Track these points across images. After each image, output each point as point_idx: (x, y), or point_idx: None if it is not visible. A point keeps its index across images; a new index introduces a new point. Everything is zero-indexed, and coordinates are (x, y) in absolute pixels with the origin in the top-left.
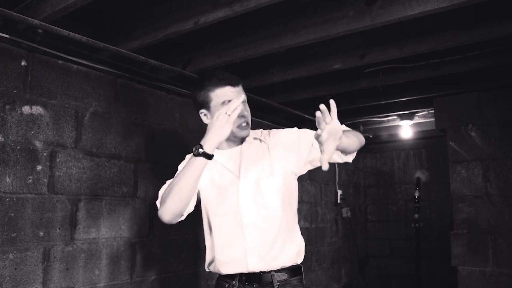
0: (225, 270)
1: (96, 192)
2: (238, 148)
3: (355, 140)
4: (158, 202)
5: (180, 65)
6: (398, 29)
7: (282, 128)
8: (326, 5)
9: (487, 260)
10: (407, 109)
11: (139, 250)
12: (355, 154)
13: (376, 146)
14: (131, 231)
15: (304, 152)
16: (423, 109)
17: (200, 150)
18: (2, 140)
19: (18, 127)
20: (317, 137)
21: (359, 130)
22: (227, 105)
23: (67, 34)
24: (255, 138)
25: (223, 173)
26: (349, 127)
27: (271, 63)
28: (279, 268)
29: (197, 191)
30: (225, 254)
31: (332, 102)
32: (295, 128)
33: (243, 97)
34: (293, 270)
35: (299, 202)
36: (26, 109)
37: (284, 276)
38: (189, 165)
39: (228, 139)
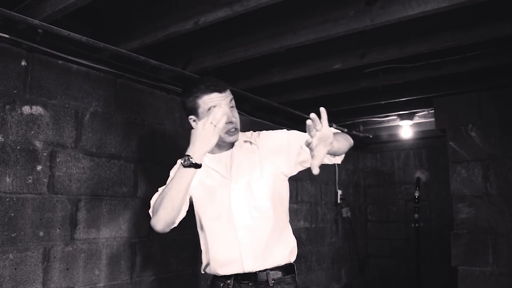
0: (222, 271)
1: (96, 192)
2: (229, 151)
3: (344, 143)
4: (150, 212)
5: (180, 65)
6: (398, 29)
7: (282, 129)
8: (326, 5)
9: (487, 260)
10: (407, 109)
11: (139, 250)
12: (343, 155)
13: (376, 146)
14: (131, 231)
15: (294, 154)
16: (423, 109)
17: (190, 161)
18: (2, 140)
19: (18, 127)
20: (308, 144)
21: (358, 130)
22: (212, 114)
23: (67, 34)
24: (245, 141)
25: (215, 177)
26: (349, 127)
27: (271, 63)
28: (274, 266)
29: (188, 197)
30: (220, 256)
31: (322, 110)
32: (285, 130)
33: (227, 104)
34: (286, 268)
35: (299, 202)
36: (26, 109)
37: (278, 274)
38: (179, 176)
39: (218, 144)
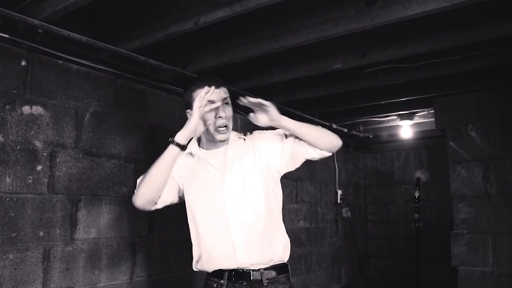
0: (214, 266)
1: (96, 192)
2: (223, 147)
3: (312, 130)
4: (135, 191)
5: (180, 65)
6: (398, 29)
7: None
8: (326, 5)
9: (487, 260)
10: (407, 109)
11: (139, 250)
12: (325, 149)
13: (376, 146)
14: (131, 231)
15: (287, 150)
16: (423, 109)
17: (172, 139)
18: (2, 140)
19: (18, 127)
20: (240, 101)
21: (358, 130)
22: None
23: (67, 34)
24: (239, 137)
25: (209, 170)
26: (349, 127)
27: (271, 63)
28: (268, 266)
29: (176, 187)
30: (213, 249)
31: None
32: (279, 129)
33: (220, 98)
34: (280, 268)
35: (299, 202)
36: (26, 109)
37: (272, 274)
38: (163, 154)
39: (211, 141)
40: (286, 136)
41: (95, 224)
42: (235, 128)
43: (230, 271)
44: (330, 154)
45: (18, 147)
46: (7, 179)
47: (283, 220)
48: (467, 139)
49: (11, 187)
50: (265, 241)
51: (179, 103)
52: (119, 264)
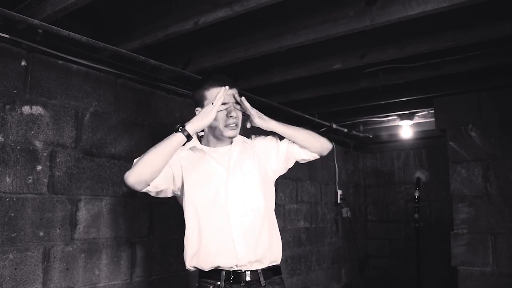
0: (212, 263)
1: (96, 192)
2: (228, 146)
3: (303, 134)
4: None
5: (180, 65)
6: (398, 29)
7: None
8: (326, 5)
9: (487, 260)
10: (407, 109)
11: (139, 250)
12: (316, 151)
13: (376, 146)
14: (131, 231)
15: (283, 150)
16: (423, 109)
17: (181, 127)
18: (2, 140)
19: (18, 127)
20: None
21: (358, 130)
22: (216, 101)
23: (67, 34)
24: (243, 142)
25: (214, 166)
26: (349, 127)
27: (271, 63)
28: (264, 267)
29: (171, 178)
30: (213, 245)
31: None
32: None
33: (232, 99)
34: (276, 270)
35: (299, 202)
36: (26, 109)
37: (269, 275)
38: (167, 139)
39: (218, 138)
40: (280, 139)
41: (95, 224)
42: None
43: (227, 271)
44: (319, 156)
45: (18, 147)
46: (7, 179)
47: (283, 220)
48: (467, 139)
49: (11, 187)
50: (263, 240)
51: (179, 103)
52: (119, 264)
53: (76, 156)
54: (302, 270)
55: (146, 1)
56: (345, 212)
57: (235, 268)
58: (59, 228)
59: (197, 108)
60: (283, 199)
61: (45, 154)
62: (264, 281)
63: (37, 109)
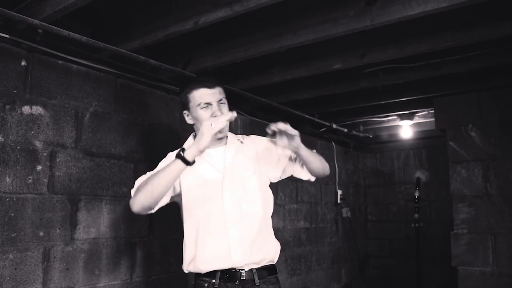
0: (208, 267)
1: (96, 192)
2: (222, 148)
3: (317, 161)
4: (132, 191)
5: (180, 65)
6: (398, 29)
7: None
8: (326, 5)
9: (487, 260)
10: (407, 109)
11: (139, 250)
12: (316, 176)
13: (376, 146)
14: (131, 231)
15: (283, 161)
16: (423, 109)
17: (181, 154)
18: (2, 140)
19: (18, 127)
20: (269, 128)
21: (358, 130)
22: (214, 118)
23: (67, 34)
24: (237, 140)
25: (209, 170)
26: (349, 127)
27: (271, 63)
28: (260, 266)
29: (172, 188)
30: (209, 250)
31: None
32: (275, 140)
33: (216, 100)
34: (271, 269)
35: (299, 202)
36: (26, 109)
37: (264, 274)
38: (168, 166)
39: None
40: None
41: (95, 224)
42: (235, 128)
43: (222, 270)
44: (314, 179)
45: (18, 147)
46: (7, 179)
47: (283, 220)
48: (467, 139)
49: (11, 187)
50: (260, 243)
51: (179, 103)
52: (119, 264)
53: (76, 156)
54: (302, 270)
55: (146, 1)
56: (345, 212)
57: (230, 268)
58: (59, 228)
59: (184, 112)
60: (283, 199)
61: (45, 154)
62: (258, 281)
63: (37, 109)
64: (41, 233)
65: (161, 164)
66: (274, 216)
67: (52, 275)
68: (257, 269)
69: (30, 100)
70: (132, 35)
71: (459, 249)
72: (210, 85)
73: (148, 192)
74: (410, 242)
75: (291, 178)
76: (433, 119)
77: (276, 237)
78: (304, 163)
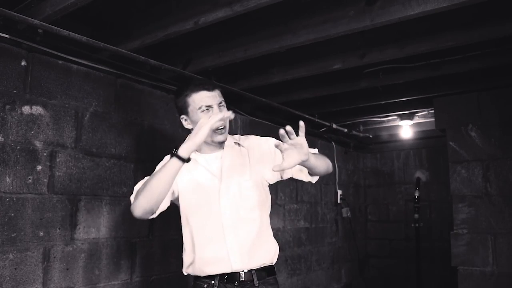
0: (208, 270)
1: (96, 192)
2: (220, 152)
3: (323, 163)
4: (132, 197)
5: (180, 65)
6: (398, 29)
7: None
8: (326, 5)
9: (487, 260)
10: (407, 109)
11: (139, 250)
12: (318, 177)
13: (376, 146)
14: (131, 231)
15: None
16: (423, 109)
17: (175, 152)
18: (2, 140)
19: (18, 127)
20: (276, 146)
21: (358, 130)
22: (211, 116)
23: (67, 34)
24: (235, 143)
25: (205, 175)
26: (349, 127)
27: (271, 63)
28: (258, 267)
29: (171, 192)
30: (207, 254)
31: (301, 124)
32: (272, 138)
33: (216, 103)
34: (270, 270)
35: (299, 202)
36: (26, 109)
37: (263, 275)
38: (165, 166)
39: (208, 144)
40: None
41: (95, 224)
42: (235, 128)
43: (221, 273)
44: (316, 180)
45: (18, 147)
46: (7, 179)
47: (283, 220)
48: (467, 139)
49: (11, 187)
50: (258, 246)
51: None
52: (119, 264)
53: (76, 156)
54: (302, 270)
55: (146, 1)
56: (345, 212)
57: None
58: (59, 228)
59: (181, 116)
60: (283, 199)
61: (45, 154)
62: (257, 281)
63: (37, 109)
64: (41, 233)
65: (159, 167)
66: (274, 216)
67: (52, 275)
68: (256, 270)
69: (30, 100)
70: (132, 35)
71: (459, 249)
72: (209, 88)
73: (148, 195)
74: (410, 242)
75: (291, 178)
76: (433, 119)
77: (276, 237)
78: (309, 169)
